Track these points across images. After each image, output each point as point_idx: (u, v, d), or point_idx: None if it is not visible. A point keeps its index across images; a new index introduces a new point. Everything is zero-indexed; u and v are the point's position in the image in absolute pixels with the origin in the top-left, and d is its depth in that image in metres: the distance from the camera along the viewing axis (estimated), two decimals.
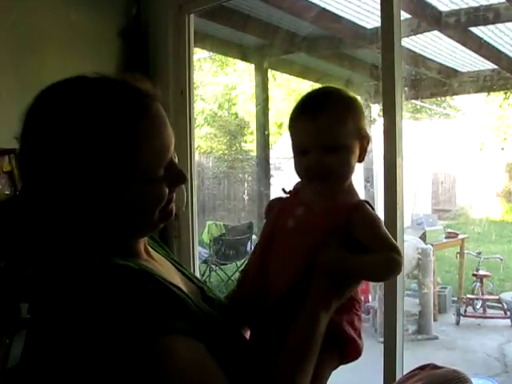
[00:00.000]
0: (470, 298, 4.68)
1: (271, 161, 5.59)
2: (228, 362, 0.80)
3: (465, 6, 3.38)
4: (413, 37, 3.78)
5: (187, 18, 2.37)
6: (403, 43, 1.77)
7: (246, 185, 8.07)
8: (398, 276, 1.67)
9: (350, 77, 5.10)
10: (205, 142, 8.74)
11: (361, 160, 0.96)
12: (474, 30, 3.71)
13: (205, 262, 5.48)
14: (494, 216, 7.30)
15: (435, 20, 3.48)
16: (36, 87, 0.83)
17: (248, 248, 5.65)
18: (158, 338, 0.73)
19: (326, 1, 3.30)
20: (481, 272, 4.83)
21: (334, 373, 0.95)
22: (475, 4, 3.35)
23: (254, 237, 5.63)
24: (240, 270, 5.37)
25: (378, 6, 1.76)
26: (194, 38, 2.41)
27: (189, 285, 0.99)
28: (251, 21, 3.62)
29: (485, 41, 3.87)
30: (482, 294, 4.72)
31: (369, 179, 4.86)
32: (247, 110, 8.45)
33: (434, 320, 4.42)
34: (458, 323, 4.51)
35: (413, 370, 1.17)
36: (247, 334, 1.01)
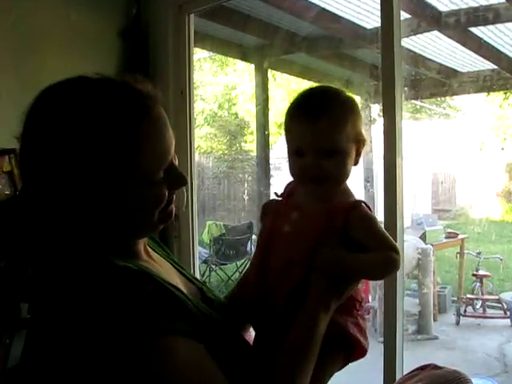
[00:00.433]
0: (470, 298, 4.68)
1: (271, 161, 5.58)
2: (227, 363, 0.80)
3: (464, 6, 3.38)
4: (413, 37, 3.77)
5: (187, 18, 2.37)
6: (403, 43, 1.77)
7: (246, 185, 8.08)
8: (398, 276, 1.68)
9: (350, 77, 5.10)
10: (205, 142, 8.74)
11: (356, 163, 0.96)
12: (473, 30, 3.71)
13: (205, 262, 5.48)
14: (493, 216, 7.31)
15: (435, 20, 3.48)
16: (36, 87, 0.83)
17: (248, 248, 5.65)
18: (158, 338, 0.73)
19: (326, 1, 3.29)
20: (481, 272, 4.83)
21: None
22: (475, 4, 3.35)
23: (253, 237, 5.63)
24: (240, 270, 5.40)
25: (378, 6, 1.76)
26: (194, 38, 2.41)
27: (188, 286, 0.99)
28: (251, 21, 3.62)
29: (485, 41, 3.87)
30: (482, 294, 4.72)
31: (369, 179, 4.87)
32: (247, 110, 8.45)
33: (434, 320, 4.42)
34: (457, 323, 4.51)
35: (413, 371, 1.17)
36: (247, 335, 1.01)
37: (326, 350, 0.89)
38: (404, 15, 2.72)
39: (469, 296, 4.72)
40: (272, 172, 5.84)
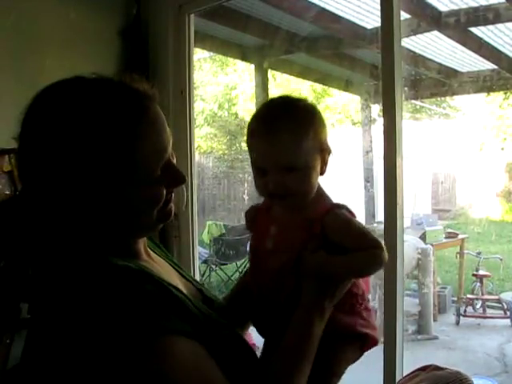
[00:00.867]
0: (470, 298, 4.68)
1: None
2: (227, 363, 0.80)
3: (464, 6, 3.39)
4: (413, 37, 3.78)
5: (187, 18, 2.37)
6: (403, 43, 1.77)
7: (245, 185, 8.08)
8: (398, 276, 1.68)
9: (350, 77, 5.11)
10: (205, 142, 8.75)
11: (322, 173, 0.95)
12: (473, 30, 3.71)
13: (205, 262, 5.49)
14: (493, 216, 7.31)
15: (435, 20, 3.48)
16: (36, 87, 0.83)
17: (248, 248, 5.64)
18: (157, 338, 0.73)
19: (326, 1, 3.30)
20: (481, 272, 4.83)
21: None
22: (475, 4, 3.36)
23: None
24: (240, 270, 5.39)
25: (378, 6, 1.76)
26: (194, 38, 2.41)
27: (188, 286, 0.99)
28: (251, 21, 3.62)
29: (484, 41, 3.87)
30: (482, 294, 4.72)
31: (369, 179, 4.87)
32: (247, 110, 8.45)
33: (434, 320, 4.43)
34: (457, 323, 4.51)
35: (414, 371, 1.17)
36: (246, 335, 1.02)
37: (339, 348, 0.92)
38: (404, 15, 2.72)
39: (469, 296, 4.73)
40: None
